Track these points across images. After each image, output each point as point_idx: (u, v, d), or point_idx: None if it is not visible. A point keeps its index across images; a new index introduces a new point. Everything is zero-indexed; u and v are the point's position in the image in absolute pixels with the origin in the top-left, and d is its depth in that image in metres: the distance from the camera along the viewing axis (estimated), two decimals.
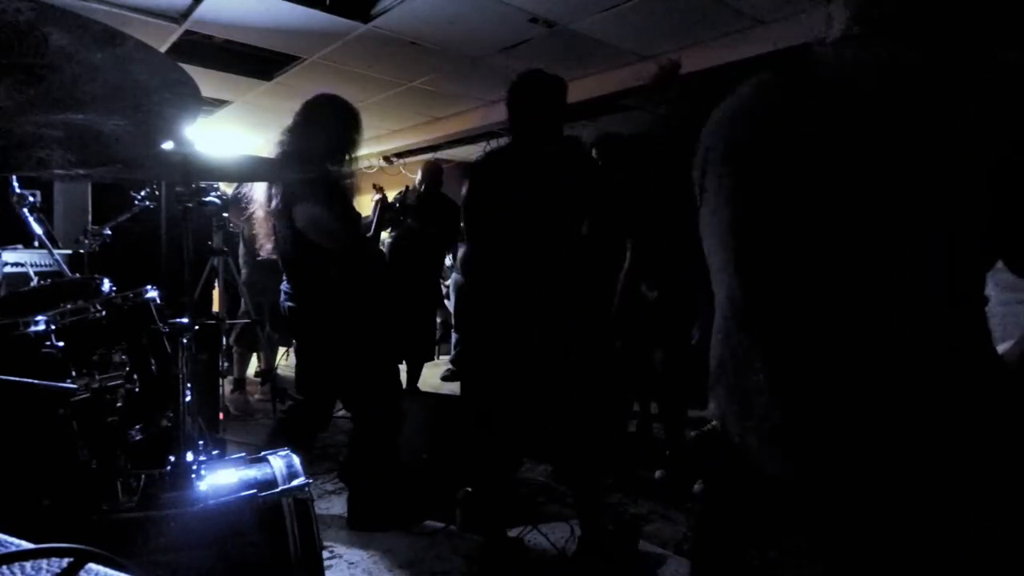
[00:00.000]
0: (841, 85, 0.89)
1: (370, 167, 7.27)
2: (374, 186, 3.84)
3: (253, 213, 2.40)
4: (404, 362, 4.15)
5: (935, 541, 0.84)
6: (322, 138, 2.30)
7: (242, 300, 3.89)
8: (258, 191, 2.36)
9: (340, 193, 2.36)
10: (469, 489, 2.42)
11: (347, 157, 2.38)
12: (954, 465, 0.82)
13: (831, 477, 0.90)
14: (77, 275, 2.41)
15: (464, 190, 2.10)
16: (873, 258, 0.84)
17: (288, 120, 2.38)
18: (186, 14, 3.56)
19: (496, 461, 2.18)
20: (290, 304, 2.38)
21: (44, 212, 2.37)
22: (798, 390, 0.91)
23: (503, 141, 2.14)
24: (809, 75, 0.95)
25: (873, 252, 0.84)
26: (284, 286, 2.41)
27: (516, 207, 1.96)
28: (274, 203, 2.26)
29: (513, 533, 2.37)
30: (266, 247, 2.39)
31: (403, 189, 3.98)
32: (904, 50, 0.87)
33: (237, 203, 3.59)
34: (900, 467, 0.84)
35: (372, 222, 2.98)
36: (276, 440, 2.26)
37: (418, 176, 4.34)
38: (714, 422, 1.13)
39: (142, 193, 2.53)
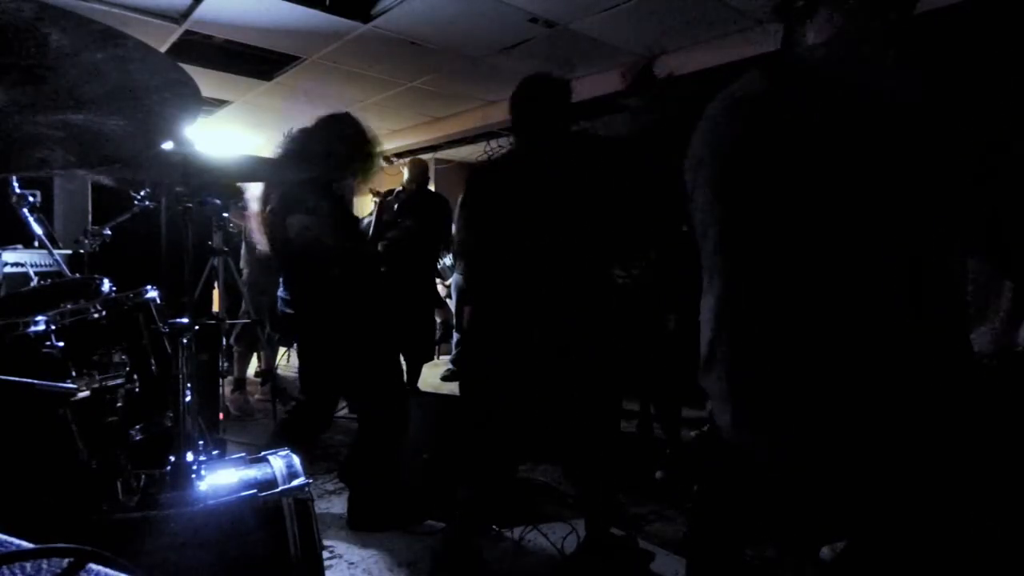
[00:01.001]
0: (835, 93, 0.92)
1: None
2: (371, 191, 3.83)
3: (248, 206, 2.39)
4: (404, 361, 4.15)
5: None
6: (323, 161, 2.27)
7: (243, 300, 3.89)
8: (253, 189, 2.35)
9: (334, 199, 2.36)
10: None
11: (350, 175, 2.36)
12: (925, 454, 0.89)
13: (814, 461, 0.96)
14: (77, 275, 2.41)
15: (460, 198, 2.05)
16: (864, 257, 0.90)
17: (288, 120, 2.37)
18: (186, 14, 3.56)
19: (493, 462, 2.16)
20: (287, 311, 2.38)
21: (44, 212, 2.37)
22: (786, 380, 0.96)
23: (503, 142, 2.12)
24: (801, 81, 0.98)
25: (865, 252, 0.89)
26: (281, 292, 2.41)
27: (523, 216, 1.90)
28: (269, 207, 2.26)
29: (513, 533, 2.37)
30: (260, 242, 2.37)
31: (392, 190, 3.96)
32: (887, 63, 0.95)
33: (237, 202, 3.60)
34: (876, 452, 0.91)
35: (371, 224, 2.98)
36: (278, 441, 2.26)
37: (405, 175, 4.30)
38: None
39: (142, 193, 2.53)
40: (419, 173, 4.24)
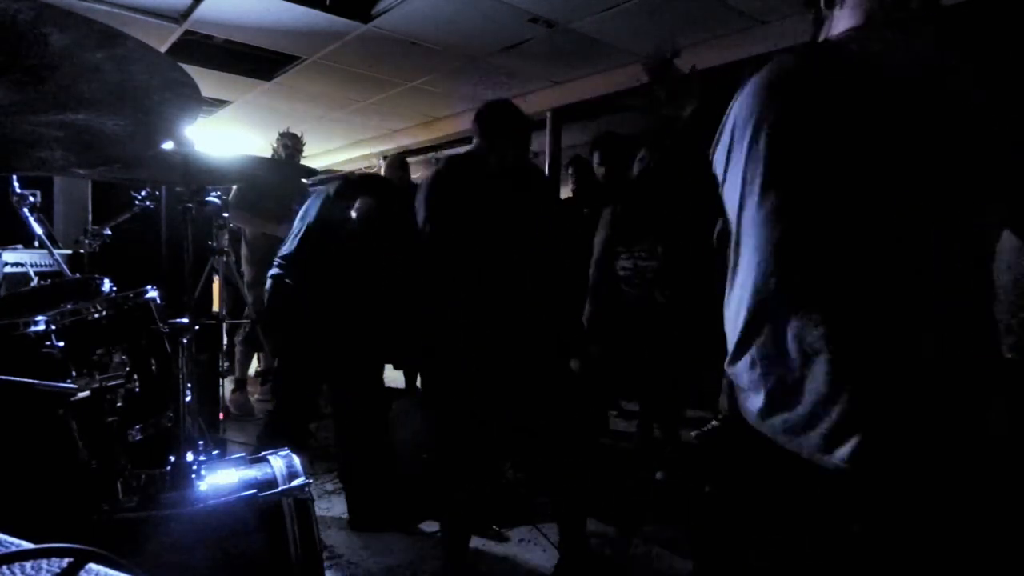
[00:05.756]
0: (878, 70, 0.94)
1: (370, 167, 7.27)
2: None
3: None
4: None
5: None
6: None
7: (246, 300, 3.88)
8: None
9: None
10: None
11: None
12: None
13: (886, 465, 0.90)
14: (77, 275, 2.40)
15: (425, 192, 2.05)
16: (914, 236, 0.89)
17: (288, 120, 2.39)
18: (186, 14, 3.55)
19: (477, 464, 2.15)
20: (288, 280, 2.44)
21: (44, 212, 2.37)
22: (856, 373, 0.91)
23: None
24: (840, 59, 0.98)
25: (917, 230, 0.89)
26: (275, 270, 2.47)
27: (500, 220, 1.98)
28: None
29: (514, 533, 2.37)
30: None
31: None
32: (924, 43, 0.96)
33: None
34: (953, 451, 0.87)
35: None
36: (268, 436, 2.27)
37: (383, 172, 4.16)
38: (713, 422, 1.14)
39: (142, 193, 2.52)
40: (394, 169, 4.10)
